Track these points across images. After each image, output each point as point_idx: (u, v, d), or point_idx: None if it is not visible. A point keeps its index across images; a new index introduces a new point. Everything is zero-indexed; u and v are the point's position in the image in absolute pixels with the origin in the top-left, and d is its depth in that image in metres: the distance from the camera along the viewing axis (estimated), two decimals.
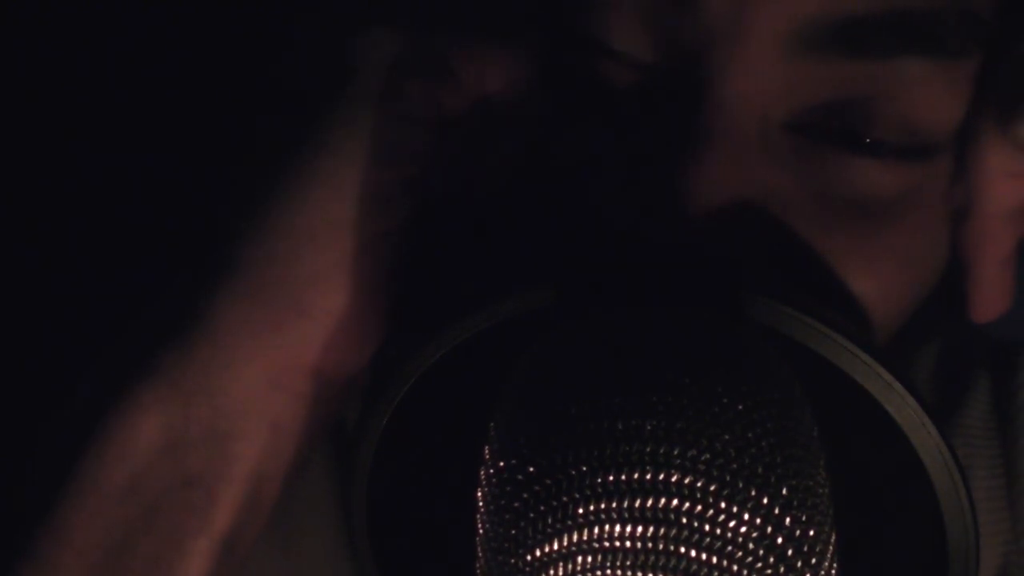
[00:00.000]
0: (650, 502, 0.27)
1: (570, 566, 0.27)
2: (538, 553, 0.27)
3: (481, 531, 0.29)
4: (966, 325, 0.49)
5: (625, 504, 0.27)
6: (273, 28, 0.37)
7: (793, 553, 0.27)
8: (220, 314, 0.34)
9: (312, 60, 0.35)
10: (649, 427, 0.27)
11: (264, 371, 0.34)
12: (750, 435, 0.27)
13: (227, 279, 0.34)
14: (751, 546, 0.27)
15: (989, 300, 0.34)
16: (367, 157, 0.34)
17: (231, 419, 0.34)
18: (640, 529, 0.27)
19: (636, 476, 0.27)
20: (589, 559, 0.27)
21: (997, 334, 0.50)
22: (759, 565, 0.27)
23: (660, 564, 0.27)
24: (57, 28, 0.58)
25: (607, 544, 0.27)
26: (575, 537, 0.27)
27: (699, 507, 0.27)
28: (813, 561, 0.27)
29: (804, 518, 0.27)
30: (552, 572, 0.27)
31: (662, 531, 0.27)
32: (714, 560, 0.27)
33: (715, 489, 0.27)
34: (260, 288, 0.34)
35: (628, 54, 0.35)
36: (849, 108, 0.34)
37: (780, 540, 0.27)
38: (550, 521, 0.27)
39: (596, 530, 0.27)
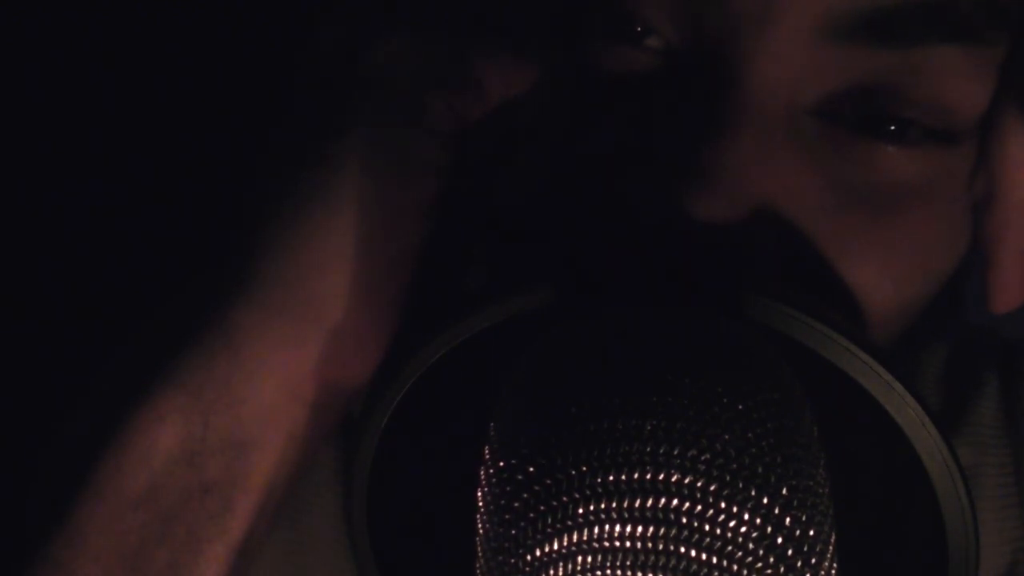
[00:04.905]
0: (650, 502, 0.27)
1: (570, 566, 0.27)
2: (538, 553, 0.27)
3: (481, 531, 0.29)
4: (975, 325, 0.49)
5: (625, 504, 0.27)
6: (294, 37, 0.37)
7: (793, 553, 0.27)
8: (242, 326, 0.34)
9: (331, 71, 0.35)
10: (649, 427, 0.27)
11: (283, 382, 0.34)
12: (750, 435, 0.27)
13: (249, 292, 0.34)
14: (751, 546, 0.27)
15: (1009, 290, 0.34)
16: (387, 171, 0.34)
17: (250, 429, 0.35)
18: (640, 529, 0.27)
19: (636, 476, 0.27)
20: (589, 559, 0.27)
21: (1007, 334, 0.50)
22: (759, 565, 0.27)
23: (660, 564, 0.27)
24: (73, 35, 0.59)
25: (607, 544, 0.27)
26: (575, 537, 0.27)
27: (699, 507, 0.27)
28: (813, 561, 0.27)
29: (804, 518, 0.27)
30: (552, 572, 0.27)
31: (662, 531, 0.27)
32: (714, 560, 0.27)
33: (715, 489, 0.27)
34: (281, 303, 0.34)
35: (655, 39, 0.35)
36: (876, 94, 0.34)
37: (780, 540, 0.27)
38: (550, 521, 0.27)
39: (596, 530, 0.27)
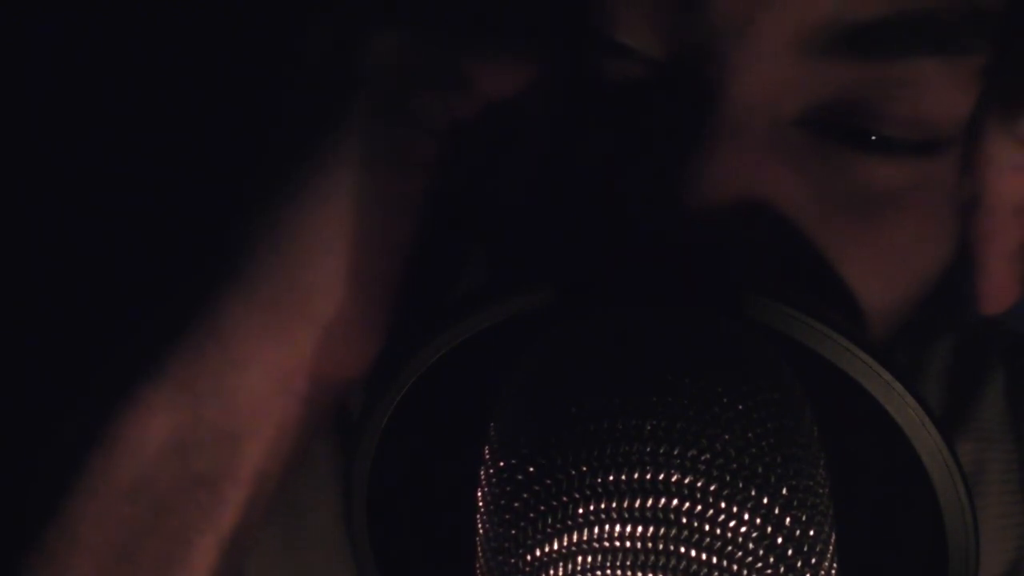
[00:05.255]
0: (650, 502, 0.27)
1: (570, 566, 0.27)
2: (538, 553, 0.27)
3: (481, 531, 0.29)
4: (981, 319, 0.49)
5: (625, 504, 0.27)
6: (285, 33, 0.37)
7: (793, 553, 0.27)
8: (231, 319, 0.34)
9: (323, 66, 0.35)
10: (649, 427, 0.27)
11: (272, 375, 0.35)
12: (750, 435, 0.27)
13: (238, 285, 0.34)
14: (751, 546, 0.27)
15: (997, 293, 0.34)
16: (379, 168, 0.34)
17: (239, 420, 0.35)
18: (640, 529, 0.27)
19: (636, 476, 0.27)
20: (589, 559, 0.27)
21: (1012, 328, 0.51)
22: (759, 565, 0.27)
23: (660, 564, 0.27)
24: (68, 33, 0.59)
25: (607, 544, 0.27)
26: (575, 537, 0.27)
27: (699, 507, 0.27)
28: (813, 561, 0.27)
29: (804, 518, 0.27)
30: (552, 572, 0.27)
31: (662, 531, 0.27)
32: (714, 560, 0.27)
33: (715, 489, 0.27)
34: (270, 295, 0.34)
35: (638, 51, 0.35)
36: (859, 105, 0.34)
37: (780, 540, 0.27)
38: (550, 521, 0.27)
39: (596, 530, 0.27)
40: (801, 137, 0.35)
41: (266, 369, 0.34)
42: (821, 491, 0.28)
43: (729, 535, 0.27)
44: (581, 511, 0.27)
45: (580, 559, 0.27)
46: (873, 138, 0.34)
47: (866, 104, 0.34)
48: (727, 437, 0.27)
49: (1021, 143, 0.32)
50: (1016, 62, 0.33)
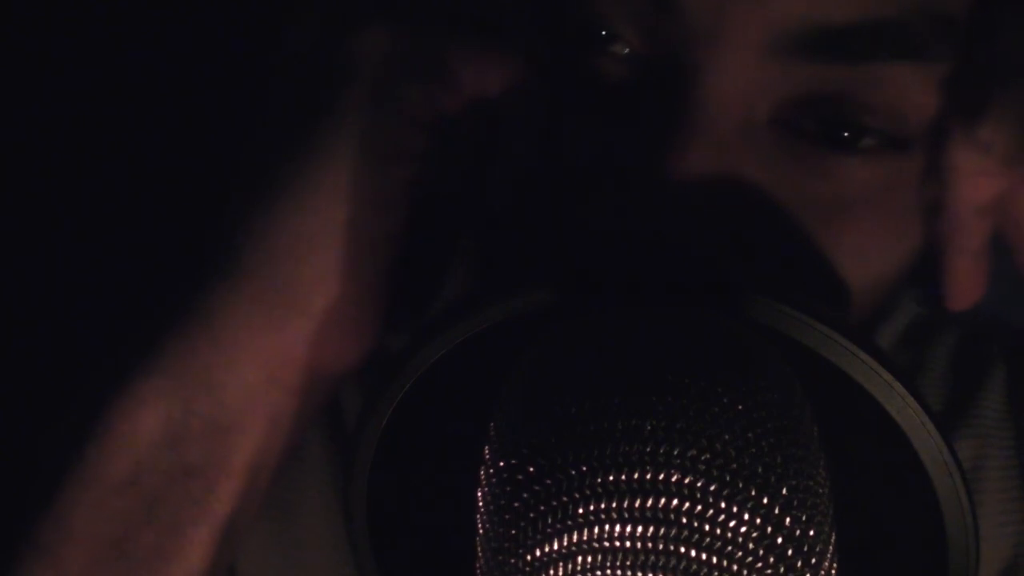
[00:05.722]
0: (650, 502, 0.27)
1: (570, 566, 0.27)
2: (538, 553, 0.27)
3: (481, 531, 0.30)
4: (983, 315, 0.50)
5: (625, 504, 0.27)
6: (271, 28, 0.37)
7: (793, 553, 0.27)
8: (222, 313, 0.34)
9: (310, 60, 0.35)
10: (649, 427, 0.27)
11: (263, 367, 0.35)
12: (750, 435, 0.27)
13: (228, 280, 0.34)
14: (751, 546, 0.27)
15: (962, 291, 0.35)
16: (365, 159, 0.34)
17: (231, 413, 0.35)
18: (640, 529, 0.27)
19: (636, 476, 0.27)
20: (589, 559, 0.27)
21: (1014, 323, 0.51)
22: (759, 565, 0.27)
23: (660, 564, 0.27)
24: (59, 30, 0.59)
25: (607, 544, 0.27)
26: (575, 537, 0.27)
27: (699, 507, 0.27)
28: (813, 561, 0.27)
29: (804, 518, 0.27)
30: (552, 572, 0.27)
31: (662, 531, 0.27)
32: (714, 560, 0.27)
33: (715, 489, 0.27)
34: (260, 288, 0.34)
35: (620, 46, 0.36)
36: (830, 103, 0.35)
37: (780, 540, 0.27)
38: (550, 521, 0.27)
39: (596, 530, 0.27)
40: (773, 137, 0.35)
41: (257, 362, 0.35)
42: (821, 491, 0.28)
43: (729, 535, 0.27)
44: (581, 511, 0.27)
45: (580, 559, 0.27)
46: (845, 134, 0.35)
47: (835, 102, 0.35)
48: (727, 437, 0.27)
49: (983, 148, 0.33)
50: (979, 71, 0.34)
